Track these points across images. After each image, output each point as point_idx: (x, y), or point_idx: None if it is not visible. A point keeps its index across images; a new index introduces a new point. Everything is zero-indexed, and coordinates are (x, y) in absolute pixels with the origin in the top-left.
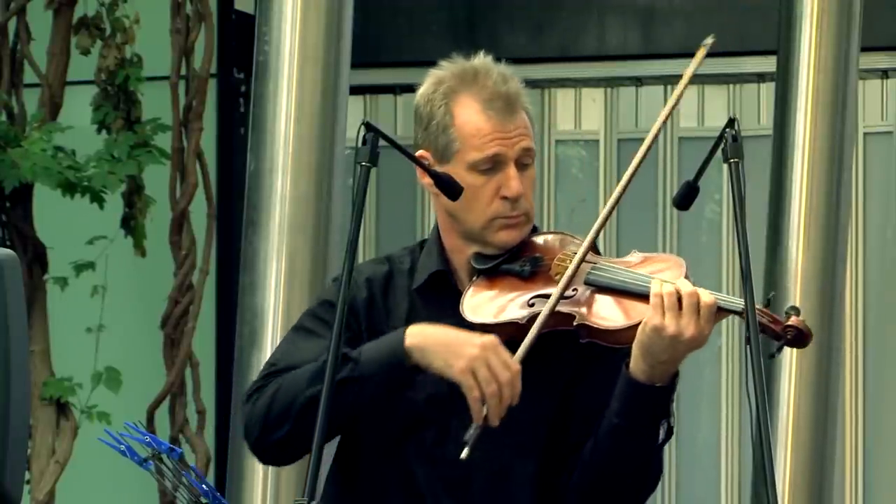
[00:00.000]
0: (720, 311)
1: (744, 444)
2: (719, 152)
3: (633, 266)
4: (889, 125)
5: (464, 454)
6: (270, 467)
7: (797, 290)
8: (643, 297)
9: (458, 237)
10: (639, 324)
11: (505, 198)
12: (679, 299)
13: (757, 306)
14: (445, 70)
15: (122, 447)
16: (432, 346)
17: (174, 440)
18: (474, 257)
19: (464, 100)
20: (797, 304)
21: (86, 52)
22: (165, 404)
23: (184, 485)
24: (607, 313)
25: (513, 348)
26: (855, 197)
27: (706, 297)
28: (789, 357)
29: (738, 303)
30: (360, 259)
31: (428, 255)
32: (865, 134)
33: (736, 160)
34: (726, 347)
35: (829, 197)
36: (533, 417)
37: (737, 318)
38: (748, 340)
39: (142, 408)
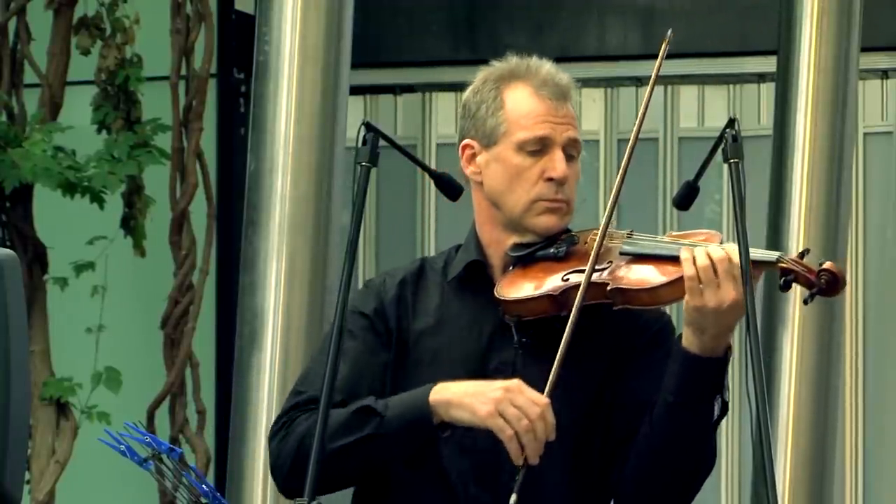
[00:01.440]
0: (756, 267)
1: (744, 444)
2: (719, 152)
3: (671, 237)
4: (889, 125)
5: (512, 501)
6: (270, 467)
7: (797, 290)
8: (676, 259)
9: (498, 227)
10: (672, 281)
11: (550, 179)
12: (713, 269)
13: (791, 257)
14: (496, 66)
15: (122, 447)
16: (456, 400)
17: (174, 440)
18: (511, 247)
19: (515, 85)
20: (797, 303)
21: (86, 52)
22: (165, 404)
23: (184, 485)
24: (641, 276)
25: (548, 325)
26: (855, 197)
27: (738, 258)
28: (789, 357)
29: (770, 255)
30: (360, 259)
31: (465, 250)
32: (865, 134)
33: (736, 160)
34: None
35: (829, 197)
36: (567, 405)
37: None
38: (748, 328)
39: (142, 408)
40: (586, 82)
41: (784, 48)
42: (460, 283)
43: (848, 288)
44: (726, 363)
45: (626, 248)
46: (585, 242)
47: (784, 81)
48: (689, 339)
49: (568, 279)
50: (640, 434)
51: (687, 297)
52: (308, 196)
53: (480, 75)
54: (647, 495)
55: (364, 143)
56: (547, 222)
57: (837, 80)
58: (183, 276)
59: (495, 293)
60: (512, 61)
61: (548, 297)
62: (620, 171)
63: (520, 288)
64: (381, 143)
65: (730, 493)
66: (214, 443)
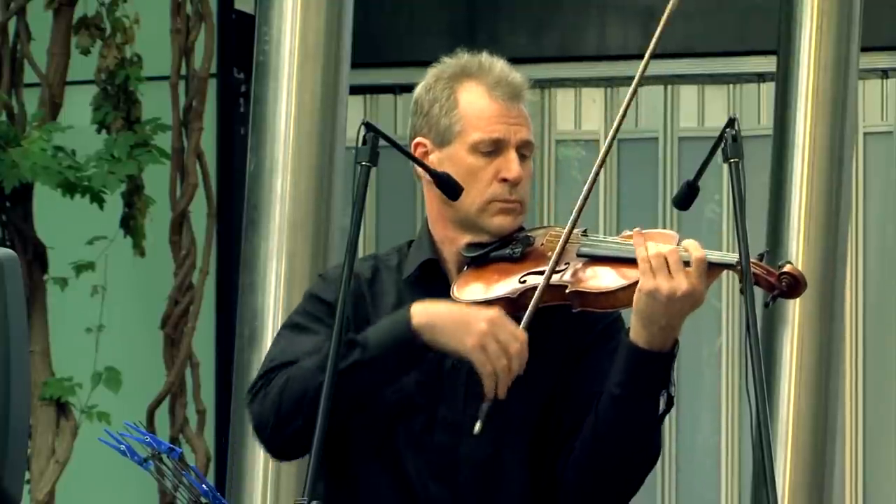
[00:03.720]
0: (714, 268)
1: (744, 445)
2: (719, 152)
3: (624, 238)
4: (889, 125)
5: (477, 428)
6: (270, 467)
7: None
8: (635, 261)
9: (451, 226)
10: (630, 285)
11: (504, 180)
12: (666, 259)
13: (751, 259)
14: (448, 64)
15: (122, 447)
16: (441, 324)
17: (174, 440)
18: (465, 247)
19: (469, 84)
20: (796, 303)
21: (86, 52)
22: (165, 404)
23: (184, 485)
24: (599, 278)
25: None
26: (855, 197)
27: (695, 251)
28: (789, 356)
29: (729, 257)
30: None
31: (418, 248)
32: (865, 134)
33: (736, 160)
34: (726, 348)
35: (829, 197)
36: (525, 402)
37: (735, 314)
38: (749, 328)
39: (142, 408)
40: (586, 82)
41: (784, 48)
42: (416, 281)
43: (848, 288)
44: (673, 358)
45: (584, 249)
46: (542, 244)
47: (784, 81)
48: (636, 331)
49: (525, 281)
50: (585, 424)
51: (640, 281)
52: (308, 196)
53: (432, 72)
54: (588, 485)
55: (364, 142)
56: (501, 223)
57: (837, 80)
58: (183, 275)
59: (452, 296)
60: (463, 58)
61: (505, 300)
62: (575, 211)
63: (476, 290)
64: (381, 142)
65: (730, 493)
66: (214, 443)
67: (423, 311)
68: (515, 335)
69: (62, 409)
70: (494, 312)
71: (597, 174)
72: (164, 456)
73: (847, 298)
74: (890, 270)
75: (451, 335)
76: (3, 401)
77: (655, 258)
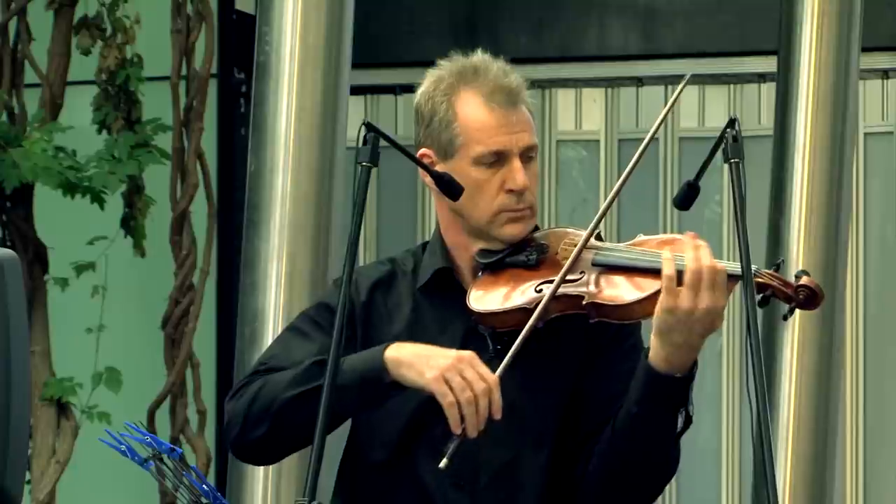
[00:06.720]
0: (730, 280)
1: (744, 445)
2: (720, 152)
3: (639, 245)
4: (889, 125)
5: (442, 464)
6: (271, 467)
7: None
8: (651, 272)
9: (463, 234)
10: (648, 296)
11: (510, 191)
12: (698, 273)
13: (767, 271)
14: (444, 68)
15: (123, 447)
16: (407, 359)
17: (175, 440)
18: (479, 253)
19: (466, 94)
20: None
21: (86, 52)
22: (166, 404)
23: (184, 485)
24: (616, 290)
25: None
26: (855, 197)
27: (717, 265)
28: (789, 357)
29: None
30: (360, 259)
31: (431, 254)
32: (865, 134)
33: (736, 160)
34: (727, 348)
35: (829, 197)
36: (543, 407)
37: (736, 315)
38: (749, 332)
39: (142, 408)
40: (586, 82)
41: (784, 48)
42: (430, 289)
43: (848, 288)
44: (691, 380)
45: (599, 258)
46: (557, 252)
47: (784, 81)
48: (656, 352)
49: (541, 290)
50: (603, 436)
51: (661, 297)
52: (308, 196)
53: (429, 79)
54: (607, 495)
55: (365, 143)
56: (512, 231)
57: (837, 80)
58: (183, 276)
59: (468, 304)
60: (458, 63)
61: (523, 310)
62: (616, 186)
63: (492, 299)
64: (382, 143)
65: (730, 493)
66: (215, 443)
67: (397, 347)
68: (483, 376)
69: (63, 409)
70: (465, 352)
71: (624, 181)
72: (164, 456)
73: (847, 299)
74: (890, 270)
75: (413, 368)
76: (3, 401)
77: (686, 274)
